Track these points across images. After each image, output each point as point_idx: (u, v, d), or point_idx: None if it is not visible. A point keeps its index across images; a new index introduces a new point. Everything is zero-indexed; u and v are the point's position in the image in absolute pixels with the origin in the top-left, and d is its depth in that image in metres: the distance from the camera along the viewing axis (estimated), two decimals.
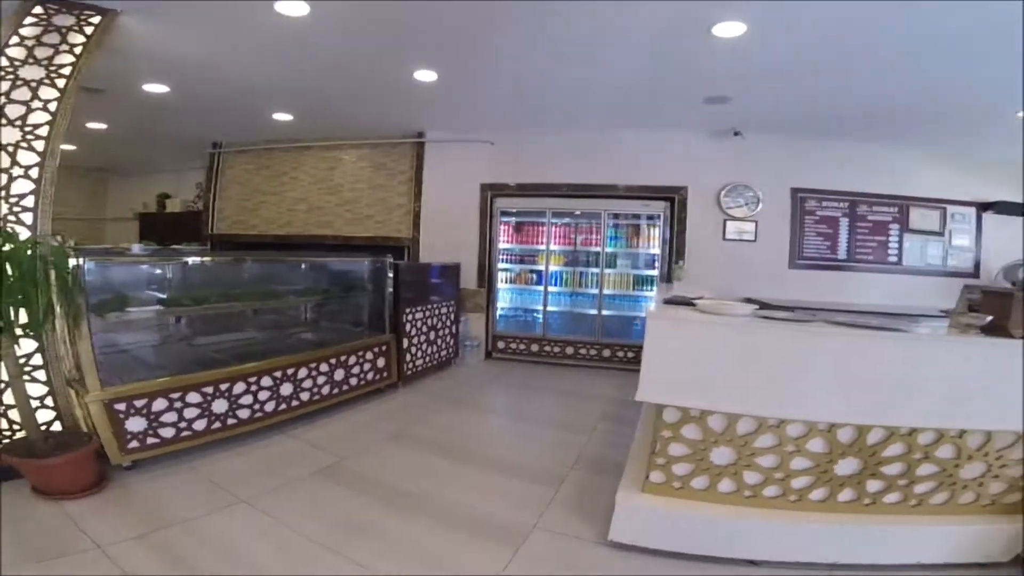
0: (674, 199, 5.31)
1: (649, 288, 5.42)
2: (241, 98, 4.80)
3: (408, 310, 4.57)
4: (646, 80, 3.95)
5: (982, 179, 5.21)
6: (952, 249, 5.22)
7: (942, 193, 5.22)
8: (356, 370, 4.07)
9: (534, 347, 5.73)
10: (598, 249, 5.45)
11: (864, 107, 4.16)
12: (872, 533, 2.02)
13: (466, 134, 5.68)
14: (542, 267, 5.65)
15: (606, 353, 5.55)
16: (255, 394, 3.30)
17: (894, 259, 5.30)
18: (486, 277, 5.78)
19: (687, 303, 2.39)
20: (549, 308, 5.72)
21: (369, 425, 3.59)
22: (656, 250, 5.36)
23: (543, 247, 5.62)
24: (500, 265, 5.83)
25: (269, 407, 3.39)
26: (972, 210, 5.21)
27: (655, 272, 5.34)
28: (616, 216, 5.47)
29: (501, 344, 5.83)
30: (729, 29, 2.90)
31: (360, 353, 4.10)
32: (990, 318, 1.92)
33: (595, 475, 2.87)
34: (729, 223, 5.32)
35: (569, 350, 5.63)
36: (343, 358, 3.94)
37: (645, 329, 1.93)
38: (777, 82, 3.71)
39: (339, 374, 3.91)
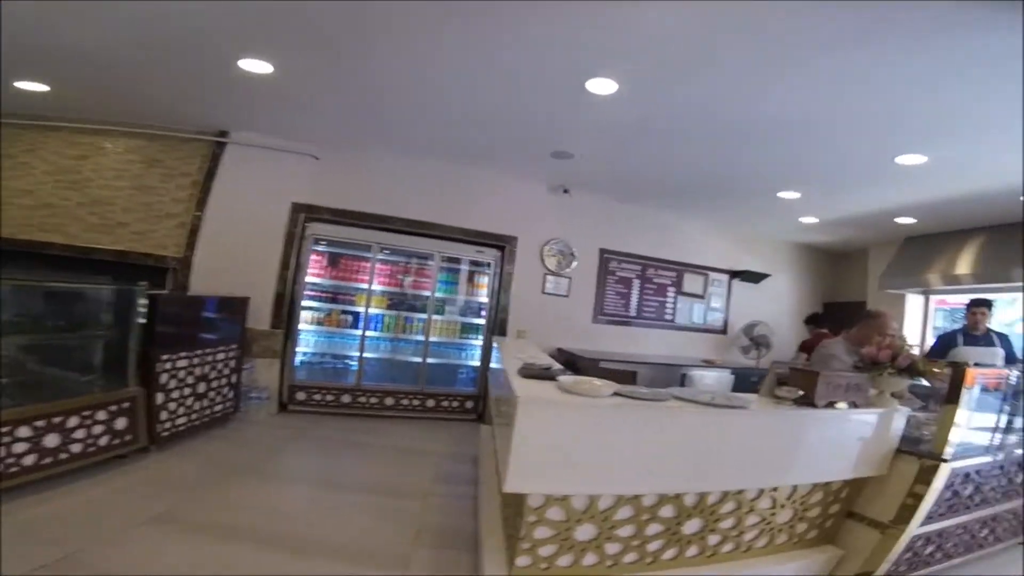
0: (505, 248, 5.38)
1: (475, 336, 5.29)
2: None
3: (167, 356, 3.48)
4: (506, 123, 3.91)
5: (735, 250, 6.61)
6: (710, 310, 6.45)
7: (706, 261, 6.45)
8: (81, 434, 2.89)
9: (345, 398, 4.97)
10: (428, 293, 5.11)
11: (666, 180, 4.87)
12: None
13: (286, 142, 4.84)
14: (361, 308, 5.03)
15: (430, 403, 5.14)
16: None
17: (670, 317, 6.28)
18: (284, 316, 4.86)
19: (545, 376, 2.22)
20: (366, 355, 5.08)
21: (111, 503, 2.59)
22: (485, 299, 5.29)
23: (364, 285, 5.02)
24: (306, 302, 4.99)
25: None
26: (726, 277, 6.56)
27: (482, 321, 5.24)
28: (450, 260, 5.25)
29: (301, 395, 4.91)
30: (602, 86, 3.04)
31: (87, 413, 2.93)
32: (801, 392, 2.20)
33: (444, 550, 2.47)
34: (548, 277, 5.61)
35: (389, 400, 5.05)
36: (57, 419, 2.75)
37: (516, 415, 1.71)
38: (616, 144, 4.03)
39: (52, 439, 2.73)
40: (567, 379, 2.08)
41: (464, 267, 5.31)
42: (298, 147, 4.91)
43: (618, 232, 5.99)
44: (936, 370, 2.37)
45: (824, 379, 2.20)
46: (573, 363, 5.04)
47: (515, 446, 1.70)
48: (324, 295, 5.08)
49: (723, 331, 6.50)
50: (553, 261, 5.61)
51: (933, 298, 6.13)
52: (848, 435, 2.26)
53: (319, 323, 5.10)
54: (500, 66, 2.98)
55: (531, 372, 2.24)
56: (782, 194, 4.88)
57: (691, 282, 6.36)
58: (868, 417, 2.30)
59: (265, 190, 4.87)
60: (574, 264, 5.70)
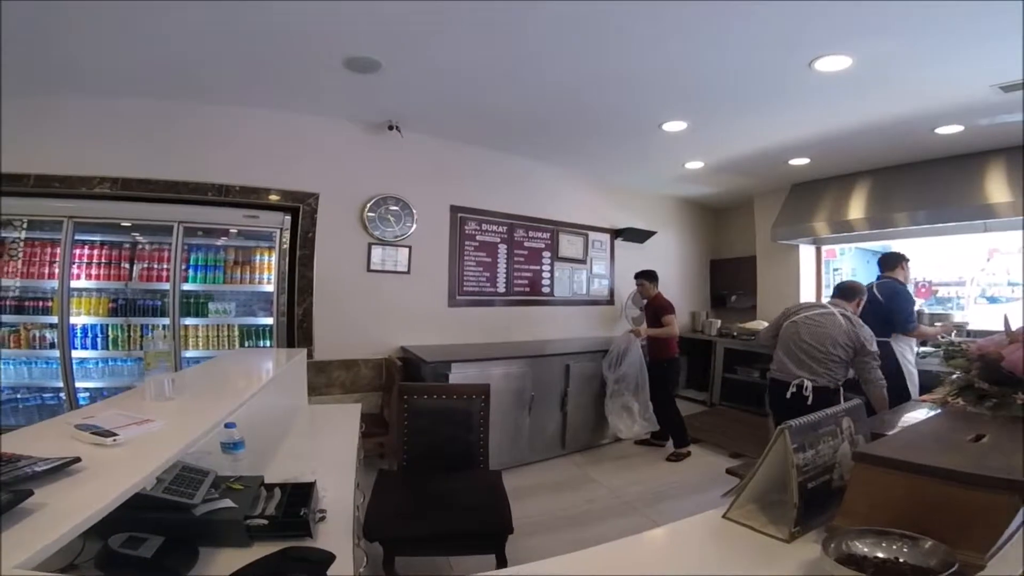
0: (299, 210, 3.73)
1: (267, 343, 3.65)
2: None
3: None
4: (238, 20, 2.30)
5: (615, 207, 5.54)
6: (593, 277, 5.38)
7: (584, 219, 5.30)
8: None
9: None
10: (167, 286, 3.33)
11: (525, 108, 3.56)
12: None
13: None
14: (56, 318, 3.17)
15: None
16: None
17: (547, 290, 5.11)
18: None
19: None
20: (88, 384, 3.30)
21: None
22: (271, 287, 3.62)
23: (55, 283, 3.15)
24: None
25: None
26: (607, 237, 5.49)
27: (271, 320, 3.61)
28: (205, 232, 3.48)
29: None
30: None
31: None
32: None
33: None
34: (376, 248, 4.08)
35: None
36: None
37: None
38: (434, 44, 2.58)
39: None
40: None
41: (230, 242, 3.56)
42: None
43: (475, 185, 4.59)
44: None
45: None
46: (417, 369, 3.69)
47: None
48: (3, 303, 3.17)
49: (610, 301, 5.50)
50: (381, 225, 4.08)
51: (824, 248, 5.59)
52: None
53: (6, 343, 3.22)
54: None
55: None
56: (667, 126, 3.77)
57: (569, 244, 5.21)
58: None
59: None
60: (413, 228, 4.23)
